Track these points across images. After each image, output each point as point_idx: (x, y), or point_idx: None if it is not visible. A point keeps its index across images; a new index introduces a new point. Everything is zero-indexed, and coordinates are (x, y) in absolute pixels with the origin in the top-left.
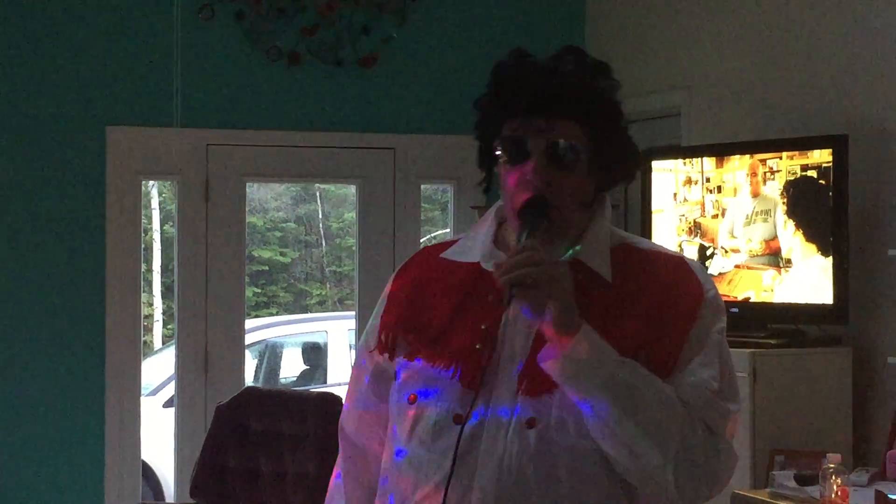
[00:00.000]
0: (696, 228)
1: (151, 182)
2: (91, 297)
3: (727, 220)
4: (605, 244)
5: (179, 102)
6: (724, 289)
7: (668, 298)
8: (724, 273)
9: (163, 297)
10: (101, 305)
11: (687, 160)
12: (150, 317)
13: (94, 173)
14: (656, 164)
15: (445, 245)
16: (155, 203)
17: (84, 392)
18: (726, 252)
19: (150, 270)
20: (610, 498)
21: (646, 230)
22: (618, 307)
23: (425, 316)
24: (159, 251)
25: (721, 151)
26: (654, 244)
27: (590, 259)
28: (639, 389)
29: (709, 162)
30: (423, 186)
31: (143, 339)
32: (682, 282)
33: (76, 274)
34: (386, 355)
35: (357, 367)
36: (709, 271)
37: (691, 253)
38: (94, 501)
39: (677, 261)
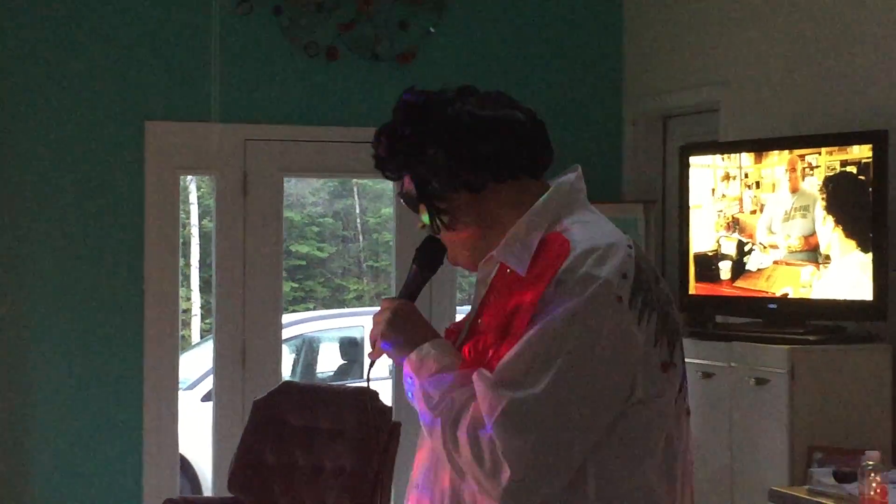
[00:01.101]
0: (734, 224)
1: (190, 177)
2: (130, 292)
3: (766, 215)
4: (529, 237)
5: (217, 97)
6: (762, 285)
7: (533, 285)
8: (763, 269)
9: (201, 292)
10: (139, 300)
11: (725, 155)
12: (188, 311)
13: (133, 168)
14: (694, 160)
15: None
16: (193, 198)
17: (122, 386)
18: (765, 248)
19: (188, 265)
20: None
21: (683, 226)
22: (517, 300)
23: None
24: (197, 246)
25: (760, 147)
26: (584, 226)
27: (504, 257)
28: (421, 414)
29: (747, 157)
30: None
31: (181, 333)
32: (548, 266)
33: (115, 268)
34: None
35: None
36: (747, 266)
37: (729, 249)
38: (133, 495)
39: (560, 241)
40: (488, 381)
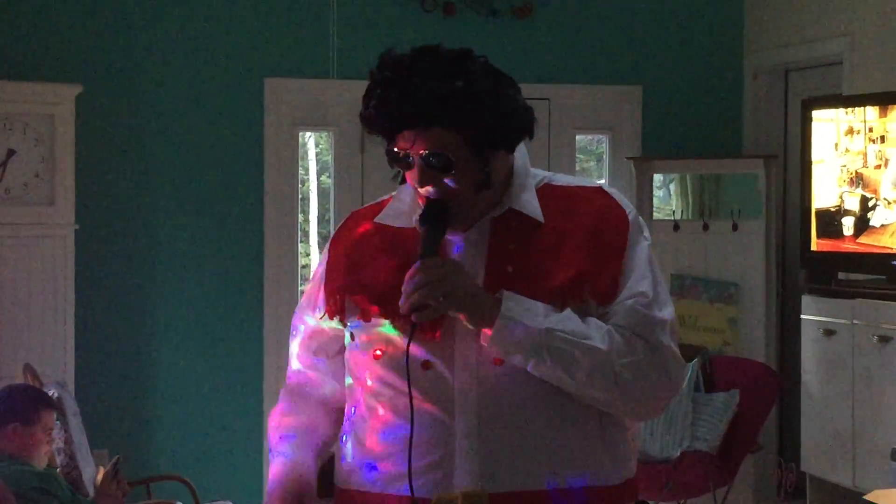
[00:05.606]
0: (857, 179)
1: (308, 133)
2: (250, 248)
3: (891, 170)
4: (530, 188)
5: (336, 54)
6: (886, 241)
7: (598, 229)
8: (887, 225)
9: (319, 248)
10: (259, 255)
11: (849, 109)
12: (306, 267)
13: (253, 125)
14: (817, 114)
15: (375, 208)
16: (311, 154)
17: (243, 340)
18: (889, 203)
19: (306, 221)
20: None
21: (805, 181)
22: (555, 243)
23: (368, 278)
24: (316, 202)
25: (885, 100)
26: (572, 178)
27: (520, 205)
28: (566, 351)
29: (872, 111)
30: (577, 137)
31: (300, 288)
32: (607, 211)
33: (235, 225)
34: (337, 318)
35: (294, 335)
36: (871, 222)
37: (852, 204)
38: (253, 452)
39: (597, 191)
40: (651, 312)
